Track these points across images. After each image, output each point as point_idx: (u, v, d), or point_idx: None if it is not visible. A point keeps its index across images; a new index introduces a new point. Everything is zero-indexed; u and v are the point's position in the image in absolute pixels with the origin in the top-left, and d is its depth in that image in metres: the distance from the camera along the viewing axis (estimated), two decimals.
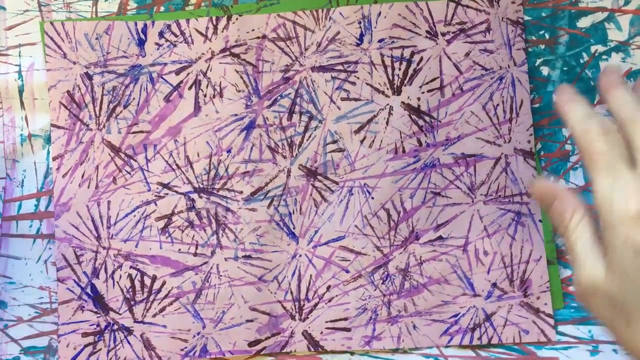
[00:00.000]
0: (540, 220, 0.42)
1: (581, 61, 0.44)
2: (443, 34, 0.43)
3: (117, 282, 0.42)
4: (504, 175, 0.42)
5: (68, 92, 0.43)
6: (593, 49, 0.44)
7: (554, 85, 0.44)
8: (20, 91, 0.44)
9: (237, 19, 0.43)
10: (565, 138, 0.44)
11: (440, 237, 0.43)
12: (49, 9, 0.44)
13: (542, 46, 0.44)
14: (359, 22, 0.43)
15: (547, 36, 0.44)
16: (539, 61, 0.44)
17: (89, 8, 0.44)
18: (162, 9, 0.44)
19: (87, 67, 0.43)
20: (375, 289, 0.43)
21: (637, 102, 0.32)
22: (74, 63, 0.43)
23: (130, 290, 0.42)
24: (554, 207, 0.33)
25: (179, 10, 0.44)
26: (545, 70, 0.44)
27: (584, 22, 0.44)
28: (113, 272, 0.42)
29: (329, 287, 0.43)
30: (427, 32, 0.43)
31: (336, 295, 0.43)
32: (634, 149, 0.30)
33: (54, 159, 0.43)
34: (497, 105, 0.43)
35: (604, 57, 0.44)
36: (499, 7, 0.43)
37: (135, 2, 0.44)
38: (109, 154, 0.43)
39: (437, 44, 0.43)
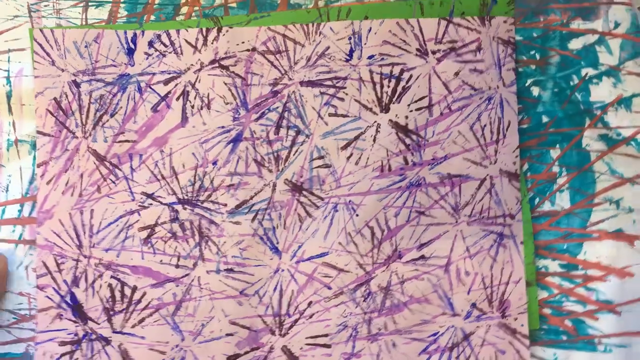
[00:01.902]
0: (521, 242, 0.43)
1: (571, 83, 0.44)
2: (433, 52, 0.43)
3: (97, 291, 0.43)
4: (488, 197, 0.43)
5: (55, 99, 0.44)
6: (584, 71, 0.44)
7: (544, 106, 0.44)
8: (8, 96, 0.45)
9: (227, 31, 0.44)
10: (552, 160, 0.44)
11: (422, 257, 0.43)
12: (39, 15, 0.45)
13: (533, 66, 0.44)
14: (349, 38, 0.44)
15: (537, 56, 0.44)
16: (529, 81, 0.45)
17: (79, 15, 0.45)
18: (152, 17, 0.45)
19: (75, 74, 0.44)
20: (357, 306, 0.43)
21: None
22: (62, 70, 0.44)
23: (110, 300, 0.43)
24: None
25: (169, 19, 0.45)
26: (535, 91, 0.45)
27: (575, 44, 0.44)
28: (93, 282, 0.43)
29: (310, 303, 0.43)
30: (417, 49, 0.43)
31: (317, 312, 0.43)
32: None
33: (39, 165, 0.44)
34: (485, 125, 0.43)
35: (595, 80, 0.44)
36: (490, 26, 0.43)
37: (125, 10, 0.45)
38: (94, 163, 0.44)
39: (427, 62, 0.43)
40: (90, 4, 0.45)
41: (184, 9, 0.45)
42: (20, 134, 0.45)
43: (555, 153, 0.45)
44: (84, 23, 0.45)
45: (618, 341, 0.44)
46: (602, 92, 0.44)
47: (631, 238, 0.44)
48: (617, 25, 0.44)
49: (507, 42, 0.44)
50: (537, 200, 0.44)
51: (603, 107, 0.44)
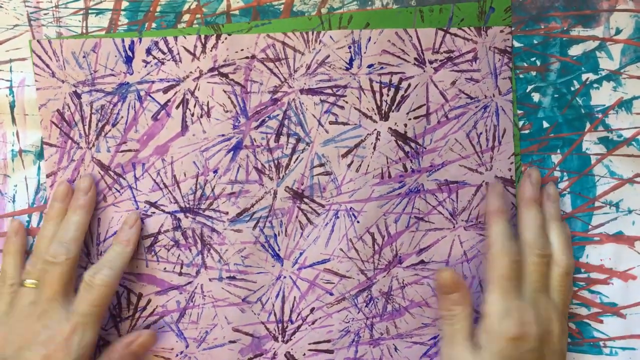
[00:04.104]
0: None
1: (572, 89, 0.46)
2: (431, 62, 0.45)
3: None
4: (484, 202, 0.46)
5: (58, 110, 0.46)
6: (584, 77, 0.46)
7: (544, 112, 0.46)
8: (12, 107, 0.47)
9: (226, 38, 0.45)
10: (554, 165, 0.46)
11: (422, 261, 0.46)
12: (39, 24, 0.47)
13: (534, 73, 0.46)
14: (349, 47, 0.45)
15: (538, 63, 0.46)
16: (530, 88, 0.46)
17: (79, 23, 0.47)
18: (153, 25, 0.46)
19: (76, 85, 0.46)
20: (359, 312, 0.46)
21: (541, 229, 0.43)
22: (63, 82, 0.46)
23: (117, 307, 0.46)
24: (453, 297, 0.42)
25: (171, 27, 0.46)
26: (536, 97, 0.46)
27: (575, 50, 0.46)
28: None
29: (312, 309, 0.46)
30: (415, 59, 0.45)
31: (320, 318, 0.46)
32: (524, 276, 0.42)
33: (47, 176, 0.46)
34: (481, 133, 0.45)
35: (595, 85, 0.46)
36: (487, 36, 0.45)
37: (126, 18, 0.46)
38: (99, 172, 0.46)
39: (424, 71, 0.45)
40: (90, 12, 0.46)
41: (186, 17, 0.46)
42: (25, 144, 0.47)
43: (556, 158, 0.47)
44: (84, 31, 0.46)
45: (623, 344, 0.46)
46: (602, 96, 0.46)
47: (631, 240, 0.46)
48: (618, 31, 0.46)
49: (504, 51, 0.45)
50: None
51: (603, 110, 0.46)
